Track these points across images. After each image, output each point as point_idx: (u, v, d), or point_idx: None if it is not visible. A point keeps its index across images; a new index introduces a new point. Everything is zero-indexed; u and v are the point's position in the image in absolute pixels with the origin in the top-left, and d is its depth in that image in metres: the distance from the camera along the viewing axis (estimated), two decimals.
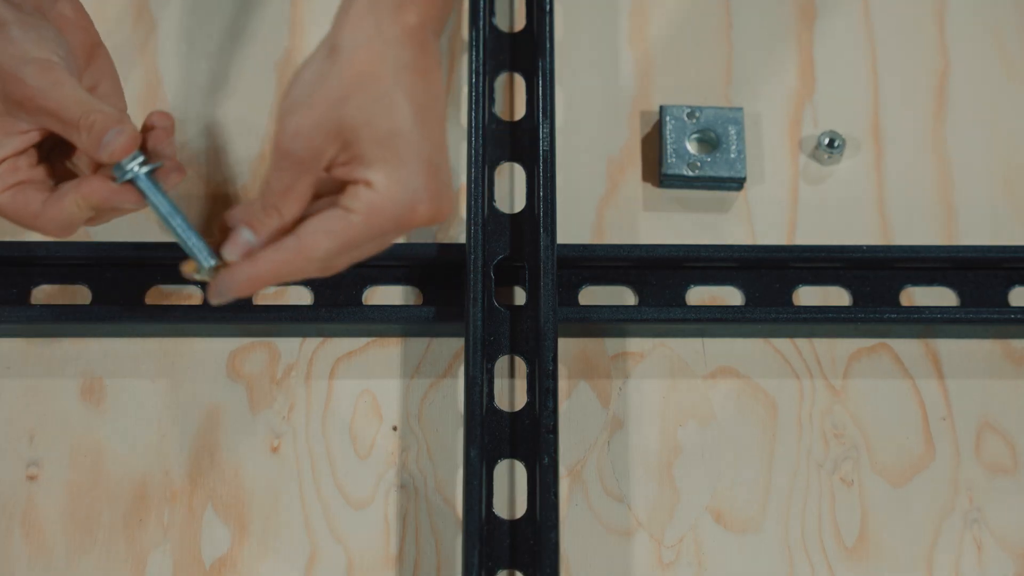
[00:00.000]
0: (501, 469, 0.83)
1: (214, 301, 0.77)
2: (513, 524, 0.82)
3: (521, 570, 0.80)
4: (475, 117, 0.87)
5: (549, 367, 0.82)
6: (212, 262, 0.77)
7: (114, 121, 0.75)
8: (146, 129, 0.78)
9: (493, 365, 0.84)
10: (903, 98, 0.96)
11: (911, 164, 0.94)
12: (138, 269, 0.88)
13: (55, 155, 0.79)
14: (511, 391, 0.86)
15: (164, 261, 0.87)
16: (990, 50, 0.97)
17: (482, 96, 0.88)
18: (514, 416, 0.84)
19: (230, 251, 0.76)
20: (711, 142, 0.92)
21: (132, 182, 0.76)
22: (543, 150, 0.87)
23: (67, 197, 0.76)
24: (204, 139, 0.93)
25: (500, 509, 0.82)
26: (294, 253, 0.75)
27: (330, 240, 0.74)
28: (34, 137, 0.77)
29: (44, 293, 0.88)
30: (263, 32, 0.96)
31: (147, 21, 0.96)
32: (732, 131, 0.92)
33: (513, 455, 0.83)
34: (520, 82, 0.93)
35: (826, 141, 0.93)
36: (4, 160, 0.76)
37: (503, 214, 0.88)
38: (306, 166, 0.74)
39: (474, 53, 0.89)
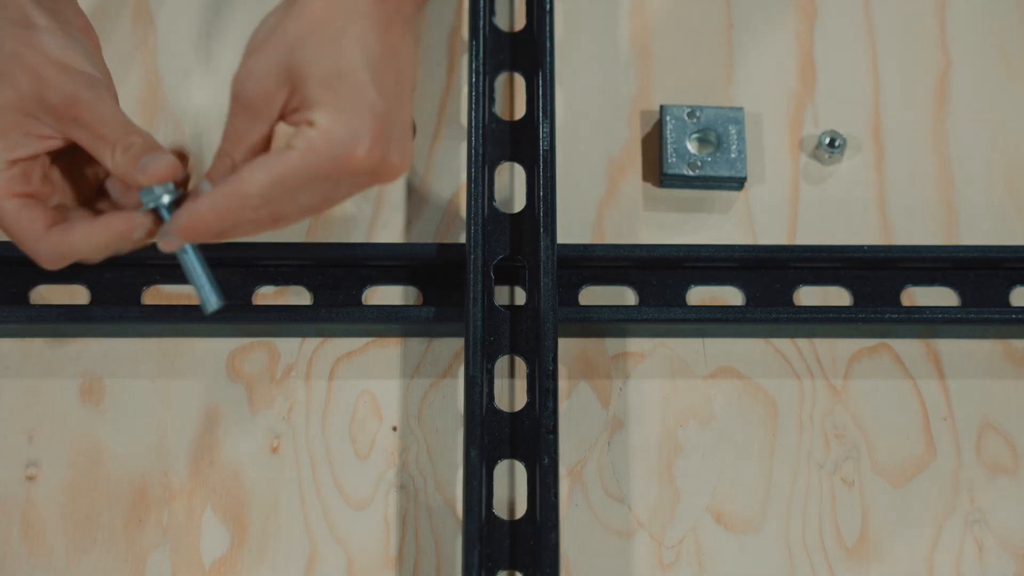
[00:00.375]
0: (501, 469, 0.83)
1: (163, 246, 0.76)
2: (513, 524, 0.82)
3: (521, 570, 0.80)
4: (475, 117, 0.87)
5: (549, 367, 0.82)
6: (218, 302, 0.77)
7: (152, 146, 0.76)
8: None
9: (493, 365, 0.84)
10: (904, 97, 0.96)
11: (912, 164, 0.94)
12: (137, 269, 0.88)
13: (59, 175, 0.79)
14: (511, 391, 0.86)
15: (163, 261, 0.87)
16: (991, 49, 0.97)
17: (482, 96, 0.88)
18: (514, 416, 0.84)
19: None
20: (712, 142, 0.92)
21: (155, 210, 0.76)
22: (543, 150, 0.87)
23: (76, 231, 0.76)
24: (203, 138, 0.93)
25: (500, 510, 0.82)
26: (232, 188, 0.74)
27: (266, 175, 0.73)
28: (54, 144, 0.77)
29: (43, 293, 0.88)
30: None
31: (146, 20, 0.96)
32: (733, 131, 0.92)
33: (513, 455, 0.83)
34: (520, 82, 0.93)
35: (827, 141, 0.93)
36: (19, 161, 0.76)
37: (503, 214, 0.88)
38: (258, 111, 0.74)
39: (474, 53, 0.89)
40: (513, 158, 0.90)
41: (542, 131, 0.87)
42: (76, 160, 0.79)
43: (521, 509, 0.83)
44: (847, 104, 0.95)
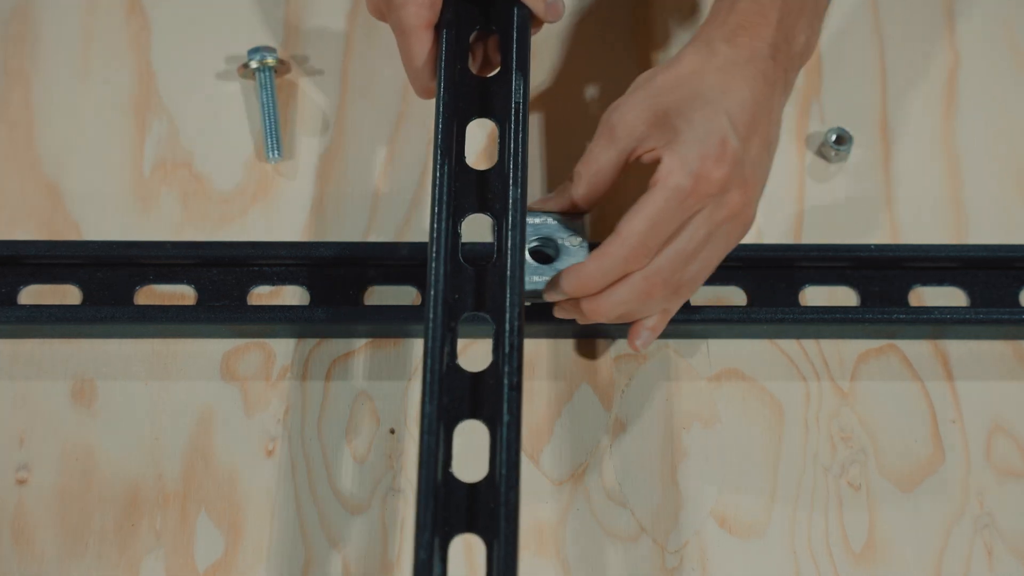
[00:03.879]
0: (463, 437, 0.76)
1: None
2: (472, 488, 0.74)
3: (479, 534, 0.73)
4: (446, 72, 0.82)
5: (516, 323, 0.76)
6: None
7: None
8: None
9: (456, 323, 0.78)
10: (912, 94, 0.95)
11: (920, 161, 0.93)
12: (130, 269, 0.87)
13: None
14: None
15: (156, 260, 0.86)
16: (1000, 45, 0.96)
17: (452, 51, 0.83)
18: (476, 376, 0.77)
19: None
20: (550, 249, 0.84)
21: None
22: (515, 102, 0.82)
23: None
24: (197, 134, 0.92)
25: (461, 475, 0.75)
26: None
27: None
28: None
29: (33, 293, 0.87)
30: (256, 26, 0.96)
31: (140, 15, 0.96)
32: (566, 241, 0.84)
33: (474, 415, 0.76)
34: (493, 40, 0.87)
35: (833, 138, 0.92)
36: None
37: (472, 170, 0.81)
38: (614, 137, 0.80)
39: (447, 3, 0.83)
40: (484, 114, 0.83)
41: (515, 83, 0.83)
42: None
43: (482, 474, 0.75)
44: (854, 101, 0.95)
